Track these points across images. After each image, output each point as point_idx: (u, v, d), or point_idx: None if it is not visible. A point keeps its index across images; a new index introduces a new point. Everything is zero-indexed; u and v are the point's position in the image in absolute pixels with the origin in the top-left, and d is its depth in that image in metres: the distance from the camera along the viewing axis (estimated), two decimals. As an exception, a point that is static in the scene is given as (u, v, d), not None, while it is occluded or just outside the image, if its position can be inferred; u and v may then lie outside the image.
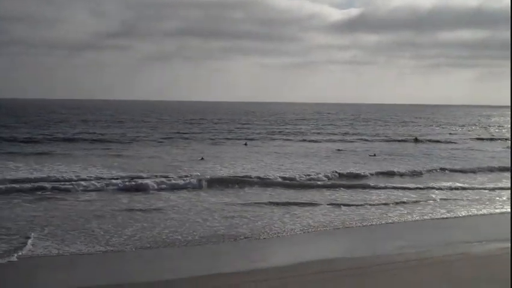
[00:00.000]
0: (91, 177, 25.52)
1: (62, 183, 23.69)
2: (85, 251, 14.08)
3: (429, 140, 57.67)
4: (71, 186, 23.04)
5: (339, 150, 45.13)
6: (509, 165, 31.48)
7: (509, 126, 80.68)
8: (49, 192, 22.20)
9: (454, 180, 28.21)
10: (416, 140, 56.07)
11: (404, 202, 21.89)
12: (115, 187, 23.45)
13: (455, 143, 55.86)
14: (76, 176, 25.71)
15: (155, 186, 23.55)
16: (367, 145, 51.20)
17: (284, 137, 59.24)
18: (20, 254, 13.49)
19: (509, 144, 50.96)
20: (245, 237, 15.87)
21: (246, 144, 50.49)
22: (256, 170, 30.93)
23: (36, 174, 26.39)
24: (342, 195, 23.34)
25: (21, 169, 28.64)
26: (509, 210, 20.19)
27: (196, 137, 56.70)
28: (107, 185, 23.64)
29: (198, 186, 24.12)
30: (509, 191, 23.42)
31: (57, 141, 47.50)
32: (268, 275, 12.13)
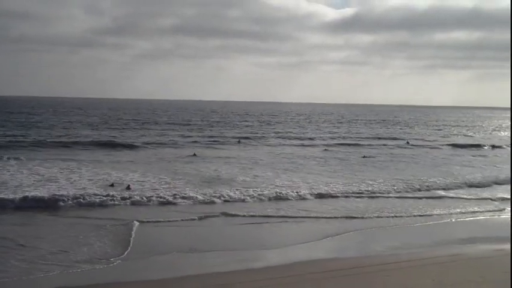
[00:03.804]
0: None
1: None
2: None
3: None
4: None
5: (326, 149, 45.51)
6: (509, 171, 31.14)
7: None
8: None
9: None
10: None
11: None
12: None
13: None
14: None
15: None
16: (356, 147, 50.79)
17: (276, 137, 59.16)
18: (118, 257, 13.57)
19: None
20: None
21: (239, 141, 51.15)
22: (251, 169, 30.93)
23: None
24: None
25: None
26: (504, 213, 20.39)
27: (190, 134, 56.69)
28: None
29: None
30: (510, 195, 23.48)
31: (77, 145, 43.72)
32: (262, 274, 12.21)
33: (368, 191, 24.78)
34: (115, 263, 13.17)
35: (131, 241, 15.11)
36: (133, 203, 20.62)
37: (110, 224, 17.19)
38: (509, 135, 77.61)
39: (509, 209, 20.84)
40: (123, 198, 20.95)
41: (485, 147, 53.45)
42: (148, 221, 17.71)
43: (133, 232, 16.13)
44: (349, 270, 12.43)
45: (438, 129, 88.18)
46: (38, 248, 14.17)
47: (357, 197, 23.47)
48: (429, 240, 16.31)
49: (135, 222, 17.39)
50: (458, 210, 21.13)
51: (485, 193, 25.48)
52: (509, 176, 28.15)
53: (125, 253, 13.98)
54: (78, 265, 12.85)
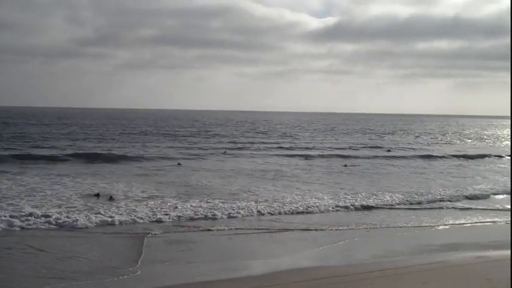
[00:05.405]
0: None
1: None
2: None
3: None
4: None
5: (307, 159, 45.88)
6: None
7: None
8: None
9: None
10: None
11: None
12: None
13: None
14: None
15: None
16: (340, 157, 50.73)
17: (261, 147, 59.42)
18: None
19: None
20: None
21: (225, 152, 51.14)
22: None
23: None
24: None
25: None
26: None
27: (173, 144, 56.67)
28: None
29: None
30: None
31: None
32: (247, 283, 12.23)
33: (351, 200, 24.78)
34: (106, 275, 13.01)
35: (123, 253, 15.07)
36: (120, 216, 19.81)
37: (96, 236, 17.08)
38: (486, 143, 78.60)
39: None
40: (108, 210, 20.49)
41: (470, 157, 53.08)
42: (135, 234, 17.55)
43: (124, 244, 16.12)
44: (333, 279, 12.48)
45: (420, 137, 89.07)
46: (37, 259, 14.19)
47: (341, 207, 23.48)
48: (413, 248, 16.43)
49: (126, 234, 17.37)
50: (444, 218, 21.29)
51: (476, 203, 25.51)
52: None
53: (117, 264, 13.86)
54: (73, 276, 12.77)
